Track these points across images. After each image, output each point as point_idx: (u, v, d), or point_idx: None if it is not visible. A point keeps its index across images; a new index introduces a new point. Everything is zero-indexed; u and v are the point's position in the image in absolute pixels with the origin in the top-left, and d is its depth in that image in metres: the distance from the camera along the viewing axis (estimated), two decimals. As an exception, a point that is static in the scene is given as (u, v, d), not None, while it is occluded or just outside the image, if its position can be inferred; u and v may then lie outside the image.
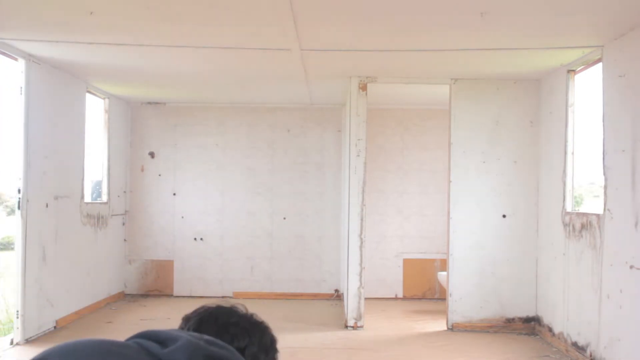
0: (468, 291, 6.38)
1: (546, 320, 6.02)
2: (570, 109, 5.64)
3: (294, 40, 4.85)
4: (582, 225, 5.22)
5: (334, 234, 8.20)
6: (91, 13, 4.23)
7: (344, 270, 7.04)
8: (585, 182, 6.57)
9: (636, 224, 4.30)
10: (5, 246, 13.45)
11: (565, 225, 5.57)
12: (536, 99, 6.34)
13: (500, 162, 6.38)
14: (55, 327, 6.09)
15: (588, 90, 5.58)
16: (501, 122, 6.40)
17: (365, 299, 6.69)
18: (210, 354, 0.89)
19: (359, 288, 6.40)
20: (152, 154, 8.27)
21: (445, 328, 6.42)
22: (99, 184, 7.68)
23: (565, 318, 5.52)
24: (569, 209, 5.59)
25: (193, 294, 8.16)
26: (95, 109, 7.44)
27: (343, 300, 7.52)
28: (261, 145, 8.24)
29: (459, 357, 5.36)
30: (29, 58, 5.52)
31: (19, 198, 5.44)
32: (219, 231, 8.22)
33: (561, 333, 5.62)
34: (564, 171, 5.64)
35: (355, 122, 6.41)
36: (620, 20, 4.27)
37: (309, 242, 8.22)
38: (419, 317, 7.05)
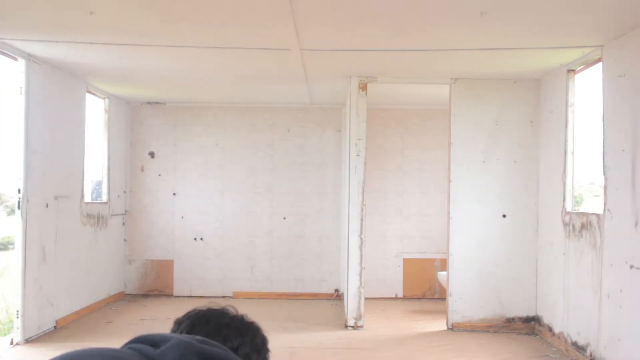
0: (468, 291, 6.38)
1: (546, 320, 6.02)
2: (570, 109, 5.64)
3: (294, 40, 4.85)
4: (582, 225, 5.22)
5: (334, 234, 8.20)
6: (91, 13, 4.23)
7: (344, 270, 7.04)
8: (585, 182, 6.57)
9: (636, 224, 4.30)
10: (5, 246, 13.45)
11: (565, 225, 5.58)
12: (536, 98, 6.34)
13: (500, 161, 6.38)
14: (55, 327, 6.09)
15: (588, 90, 5.58)
16: (501, 122, 6.40)
17: (365, 298, 6.68)
18: (202, 351, 0.90)
19: (359, 288, 6.40)
20: (152, 154, 8.28)
21: (445, 328, 6.42)
22: (99, 184, 7.68)
23: (565, 318, 5.52)
24: (569, 208, 5.59)
25: (193, 294, 8.16)
26: (95, 109, 7.44)
27: (343, 300, 7.52)
28: (261, 145, 8.24)
29: (459, 357, 5.36)
30: (29, 58, 5.52)
31: (19, 198, 5.45)
32: (219, 231, 8.22)
33: (561, 333, 5.62)
34: (564, 171, 5.64)
35: (355, 122, 6.41)
36: (620, 20, 4.27)
37: (309, 242, 8.22)
38: (419, 317, 7.05)
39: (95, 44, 5.17)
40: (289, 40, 4.88)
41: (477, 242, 6.37)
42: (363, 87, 6.39)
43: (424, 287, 8.21)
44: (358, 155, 6.39)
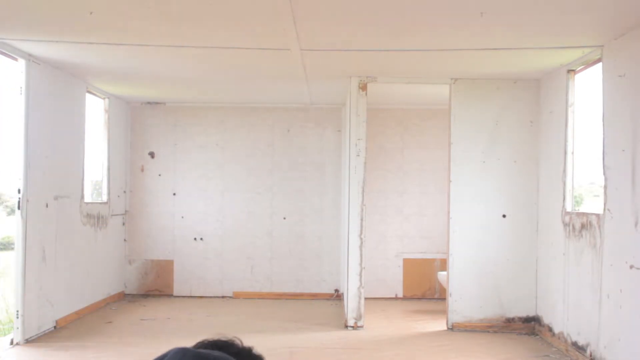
0: (468, 291, 6.38)
1: (546, 320, 6.02)
2: (570, 109, 5.64)
3: (293, 40, 4.85)
4: (582, 225, 5.22)
5: (334, 234, 8.20)
6: (91, 13, 4.23)
7: (344, 270, 7.04)
8: (585, 182, 6.57)
9: (636, 224, 4.30)
10: (5, 246, 13.46)
11: (565, 225, 5.58)
12: (536, 98, 6.34)
13: (500, 161, 6.39)
14: (55, 327, 6.09)
15: (588, 90, 5.58)
16: (501, 122, 6.40)
17: (365, 298, 6.69)
18: (199, 354, 0.94)
19: (359, 288, 6.40)
20: (152, 154, 8.28)
21: (445, 328, 6.42)
22: (99, 184, 7.68)
23: (565, 318, 5.52)
24: (569, 208, 5.59)
25: (193, 294, 8.15)
26: (95, 109, 7.44)
27: (343, 300, 7.52)
28: (261, 145, 8.24)
29: (459, 357, 5.36)
30: (29, 58, 5.52)
31: (19, 198, 5.45)
32: (219, 231, 8.22)
33: (561, 333, 5.62)
34: (564, 171, 5.64)
35: (355, 122, 6.41)
36: (620, 20, 4.28)
37: (309, 242, 8.23)
38: (419, 317, 7.05)
39: (95, 44, 5.16)
40: (289, 40, 4.88)
41: (477, 242, 6.37)
42: (363, 87, 6.39)
43: (424, 287, 8.21)
44: (358, 155, 6.39)
